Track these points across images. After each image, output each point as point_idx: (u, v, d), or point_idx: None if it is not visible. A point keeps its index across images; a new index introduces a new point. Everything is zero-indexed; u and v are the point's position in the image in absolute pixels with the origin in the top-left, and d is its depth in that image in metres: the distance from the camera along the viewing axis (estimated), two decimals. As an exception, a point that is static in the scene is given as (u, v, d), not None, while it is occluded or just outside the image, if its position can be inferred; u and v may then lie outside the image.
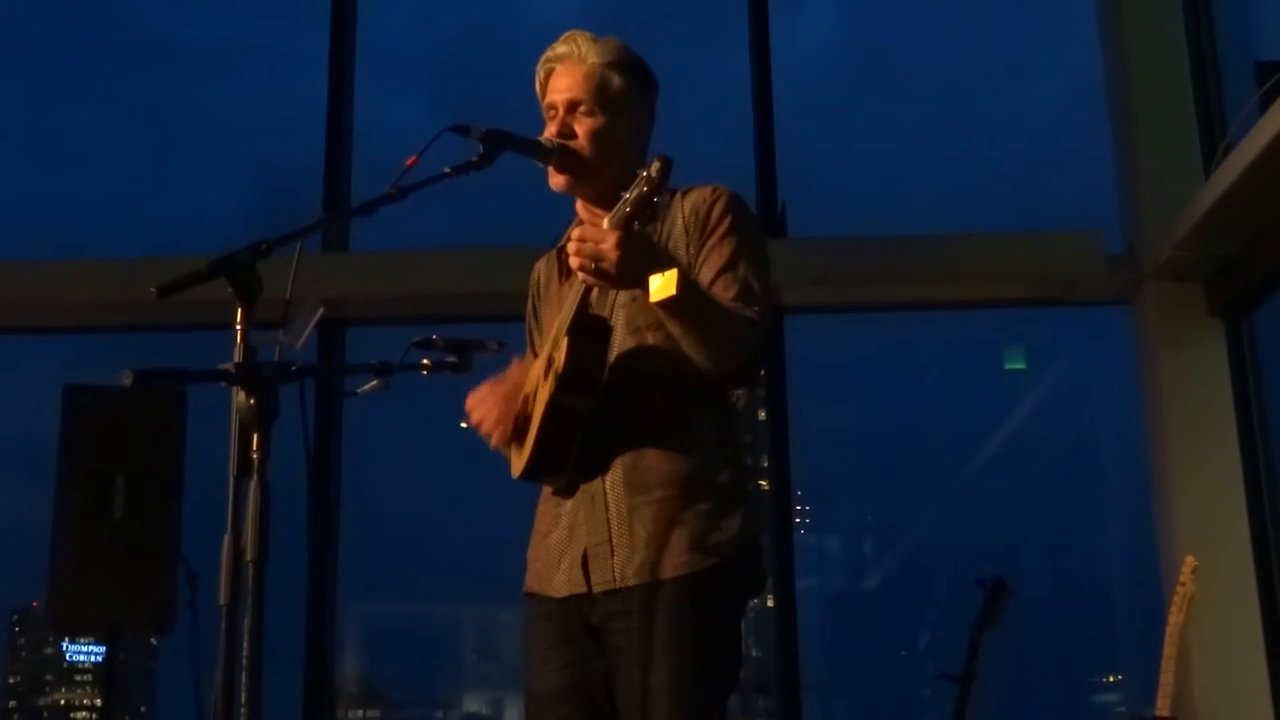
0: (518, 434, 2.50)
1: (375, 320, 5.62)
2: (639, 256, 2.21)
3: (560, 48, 2.54)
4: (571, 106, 2.49)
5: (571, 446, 2.39)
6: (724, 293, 2.38)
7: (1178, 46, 5.43)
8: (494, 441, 2.52)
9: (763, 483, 5.37)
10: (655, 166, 2.14)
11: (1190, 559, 4.42)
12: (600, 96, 2.49)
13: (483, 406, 2.51)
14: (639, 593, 2.30)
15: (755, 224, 2.57)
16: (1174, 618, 4.33)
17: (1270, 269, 4.88)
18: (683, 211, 2.49)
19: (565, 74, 2.51)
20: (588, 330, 2.35)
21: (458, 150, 2.31)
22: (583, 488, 2.41)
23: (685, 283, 2.20)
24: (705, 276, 2.41)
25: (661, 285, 2.16)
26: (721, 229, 2.45)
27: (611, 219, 2.22)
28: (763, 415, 5.44)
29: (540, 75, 2.57)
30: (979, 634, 4.45)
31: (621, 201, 2.20)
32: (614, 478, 2.38)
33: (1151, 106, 5.36)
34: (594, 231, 2.22)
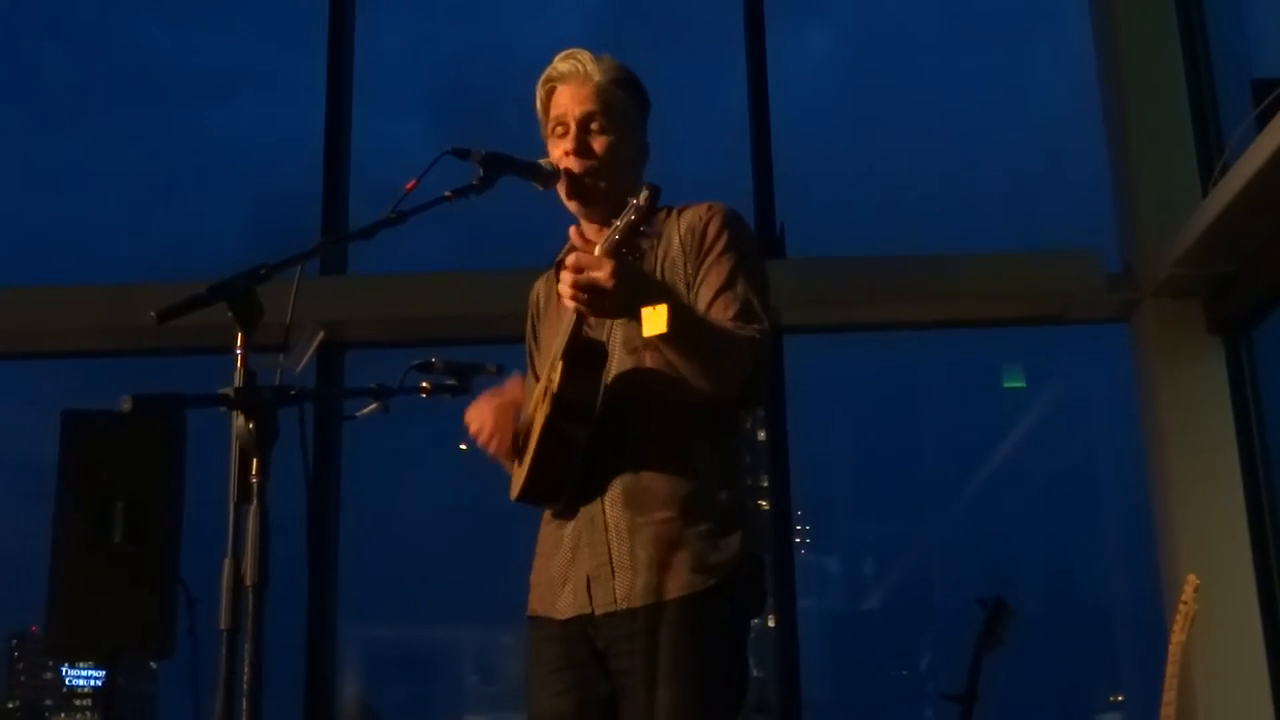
0: (518, 453, 2.50)
1: (374, 343, 5.62)
2: (634, 285, 2.20)
3: (562, 65, 2.52)
4: (584, 122, 2.47)
5: (568, 469, 2.38)
6: (724, 311, 2.37)
7: (1174, 64, 5.45)
8: (492, 449, 2.51)
9: (763, 503, 5.37)
10: (644, 195, 2.14)
11: (1192, 577, 4.39)
12: (610, 114, 2.47)
13: (480, 419, 2.51)
14: (642, 614, 2.29)
15: (752, 239, 2.55)
16: (1176, 637, 4.30)
17: (1269, 286, 4.89)
18: (679, 230, 2.46)
19: (571, 90, 2.49)
20: (582, 354, 2.32)
21: (457, 173, 2.31)
22: (582, 510, 2.40)
23: (677, 316, 2.17)
24: (704, 295, 2.39)
25: (653, 322, 2.15)
26: (719, 246, 2.43)
27: (602, 247, 2.21)
28: (762, 435, 5.44)
29: (541, 94, 2.54)
30: (980, 654, 4.43)
31: (611, 229, 2.19)
32: (612, 498, 2.36)
33: (1148, 125, 5.38)
34: (589, 259, 2.20)
